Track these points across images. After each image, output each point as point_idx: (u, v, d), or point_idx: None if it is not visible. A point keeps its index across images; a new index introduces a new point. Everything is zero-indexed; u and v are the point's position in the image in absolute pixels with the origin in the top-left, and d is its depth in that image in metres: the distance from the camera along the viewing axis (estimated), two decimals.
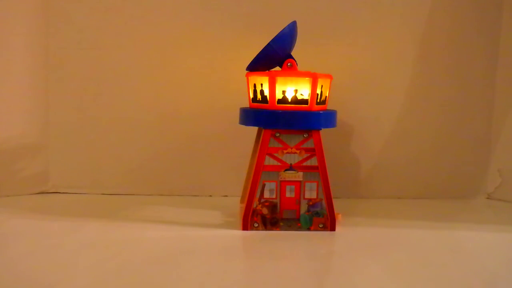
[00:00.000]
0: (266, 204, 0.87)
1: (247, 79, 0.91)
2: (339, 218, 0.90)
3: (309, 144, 0.87)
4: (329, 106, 0.94)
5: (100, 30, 1.08)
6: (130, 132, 1.11)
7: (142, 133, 1.11)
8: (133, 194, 1.12)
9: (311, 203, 0.88)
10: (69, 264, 0.71)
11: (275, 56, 0.88)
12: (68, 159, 1.11)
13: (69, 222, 0.91)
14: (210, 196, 1.13)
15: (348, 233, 0.88)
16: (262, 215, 0.88)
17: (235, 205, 1.01)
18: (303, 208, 0.88)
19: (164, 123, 1.11)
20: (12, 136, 1.07)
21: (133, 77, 1.10)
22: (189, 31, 1.09)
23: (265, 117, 0.86)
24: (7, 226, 0.88)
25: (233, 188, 1.09)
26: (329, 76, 0.90)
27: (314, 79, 0.85)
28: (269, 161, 0.87)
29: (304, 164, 0.87)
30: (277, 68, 0.91)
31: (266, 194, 0.87)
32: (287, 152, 0.87)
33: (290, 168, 0.87)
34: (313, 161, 0.87)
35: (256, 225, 0.88)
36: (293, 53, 0.91)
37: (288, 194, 0.88)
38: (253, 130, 0.98)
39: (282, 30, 0.86)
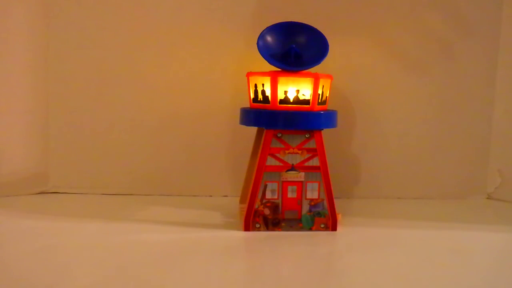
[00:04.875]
0: (268, 204, 0.87)
1: (248, 79, 0.91)
2: (339, 218, 0.90)
3: (311, 144, 0.87)
4: (329, 106, 0.94)
5: (100, 30, 1.08)
6: (130, 132, 1.11)
7: (142, 133, 1.11)
8: (133, 194, 1.12)
9: (312, 203, 0.88)
10: (69, 264, 0.71)
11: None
12: (68, 159, 1.11)
13: (69, 222, 0.90)
14: (210, 196, 1.13)
15: (350, 233, 0.88)
16: (264, 215, 0.88)
17: (235, 205, 1.01)
18: (305, 208, 0.88)
19: (164, 123, 1.11)
20: (12, 136, 1.07)
21: (133, 77, 1.10)
22: (189, 31, 1.09)
23: (267, 117, 0.86)
24: (7, 226, 0.88)
25: (233, 188, 1.09)
26: (329, 76, 0.90)
27: (316, 79, 0.85)
28: (270, 161, 0.87)
29: (306, 164, 0.88)
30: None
31: (268, 195, 0.87)
32: (289, 153, 0.87)
33: (292, 168, 0.87)
34: (315, 161, 0.87)
35: (258, 225, 0.88)
36: None
37: (290, 195, 0.88)
38: (253, 130, 0.98)
39: None
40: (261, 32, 0.89)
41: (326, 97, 0.91)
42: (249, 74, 0.90)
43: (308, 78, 0.86)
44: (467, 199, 1.16)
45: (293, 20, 0.92)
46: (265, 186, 0.87)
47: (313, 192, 0.88)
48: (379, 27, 1.11)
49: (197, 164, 1.12)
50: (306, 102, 0.86)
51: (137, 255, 0.75)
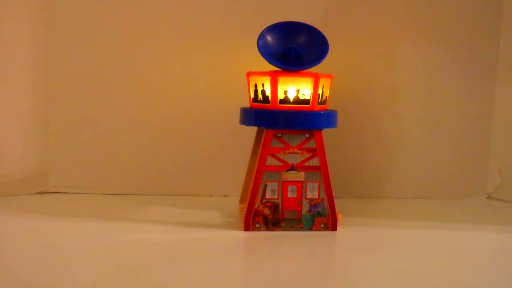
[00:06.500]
0: (268, 204, 0.87)
1: (248, 79, 0.91)
2: (339, 217, 0.90)
3: (311, 144, 0.87)
4: (329, 106, 0.94)
5: (100, 30, 1.08)
6: (130, 132, 1.11)
7: (142, 133, 1.11)
8: (133, 194, 1.12)
9: (312, 203, 0.88)
10: (69, 264, 0.71)
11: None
12: (68, 159, 1.11)
13: (69, 222, 0.90)
14: (210, 196, 1.13)
15: (350, 233, 0.88)
16: (264, 215, 0.88)
17: (235, 205, 1.01)
18: (305, 208, 0.88)
19: (164, 123, 1.11)
20: (12, 136, 1.07)
21: (133, 77, 1.10)
22: (189, 31, 1.09)
23: (267, 117, 0.86)
24: (7, 226, 0.88)
25: (233, 188, 1.09)
26: (329, 76, 0.90)
27: (316, 79, 0.85)
28: (270, 161, 0.87)
29: (306, 164, 0.88)
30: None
31: (268, 195, 0.87)
32: (289, 152, 0.87)
33: (292, 168, 0.87)
34: (315, 161, 0.87)
35: (258, 225, 0.88)
36: None
37: (290, 195, 0.88)
38: (253, 130, 0.98)
39: None
40: (261, 32, 0.89)
41: (326, 97, 0.91)
42: (249, 74, 0.90)
43: (308, 78, 0.86)
44: (467, 199, 1.16)
45: (293, 20, 0.92)
46: (265, 186, 0.87)
47: (313, 192, 0.88)
48: (379, 27, 1.11)
49: (197, 164, 1.12)
50: (306, 102, 0.86)
51: (137, 255, 0.75)
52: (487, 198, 1.17)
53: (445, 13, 1.12)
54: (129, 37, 1.09)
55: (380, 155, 1.14)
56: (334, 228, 0.89)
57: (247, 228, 0.87)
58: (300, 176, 0.88)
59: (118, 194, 1.11)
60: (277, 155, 0.87)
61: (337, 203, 0.89)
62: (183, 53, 1.10)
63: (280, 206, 0.88)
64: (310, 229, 0.88)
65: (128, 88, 1.10)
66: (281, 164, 0.87)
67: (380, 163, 1.14)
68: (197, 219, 0.94)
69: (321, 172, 0.87)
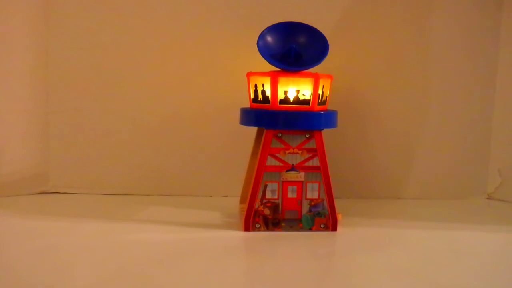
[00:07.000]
0: (268, 204, 0.87)
1: (248, 79, 0.91)
2: (339, 218, 0.90)
3: (311, 144, 0.87)
4: (329, 106, 0.94)
5: (100, 30, 1.08)
6: (130, 132, 1.11)
7: (142, 133, 1.11)
8: (133, 194, 1.12)
9: (312, 203, 0.88)
10: (69, 264, 0.71)
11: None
12: (68, 159, 1.11)
13: (69, 222, 0.90)
14: (210, 196, 1.13)
15: (350, 233, 0.88)
16: (264, 215, 0.88)
17: (235, 205, 1.01)
18: (305, 208, 0.88)
19: (164, 123, 1.11)
20: (12, 136, 1.07)
21: (133, 77, 1.10)
22: (189, 31, 1.09)
23: (267, 117, 0.86)
24: (7, 226, 0.88)
25: (233, 188, 1.09)
26: (329, 76, 0.90)
27: (316, 79, 0.85)
28: (271, 161, 0.87)
29: (306, 164, 0.88)
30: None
31: (268, 195, 0.87)
32: (289, 153, 0.87)
33: (292, 168, 0.87)
34: (315, 162, 0.87)
35: (258, 226, 0.88)
36: None
37: (290, 195, 0.88)
38: (253, 130, 0.99)
39: None
40: (261, 32, 0.89)
41: (326, 97, 0.91)
42: (249, 74, 0.90)
43: (308, 78, 0.86)
44: (467, 199, 1.16)
45: (293, 20, 0.92)
46: (265, 186, 0.87)
47: (313, 192, 0.88)
48: (379, 27, 1.11)
49: (197, 164, 1.12)
50: (306, 102, 0.86)
51: (137, 255, 0.75)
52: (487, 198, 1.17)
53: (445, 14, 1.12)
54: (129, 37, 1.09)
55: (380, 155, 1.14)
56: (334, 228, 0.89)
57: (247, 228, 0.87)
58: (300, 176, 0.88)
59: (118, 194, 1.11)
60: (277, 155, 0.87)
61: (337, 203, 0.89)
62: (183, 53, 1.10)
63: (280, 206, 0.88)
64: (310, 229, 0.88)
65: (128, 88, 1.10)
66: (281, 164, 0.87)
67: (380, 163, 1.14)
68: (197, 219, 0.94)
69: (321, 172, 0.87)
